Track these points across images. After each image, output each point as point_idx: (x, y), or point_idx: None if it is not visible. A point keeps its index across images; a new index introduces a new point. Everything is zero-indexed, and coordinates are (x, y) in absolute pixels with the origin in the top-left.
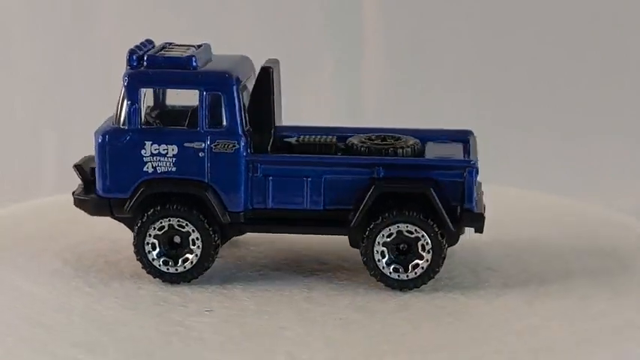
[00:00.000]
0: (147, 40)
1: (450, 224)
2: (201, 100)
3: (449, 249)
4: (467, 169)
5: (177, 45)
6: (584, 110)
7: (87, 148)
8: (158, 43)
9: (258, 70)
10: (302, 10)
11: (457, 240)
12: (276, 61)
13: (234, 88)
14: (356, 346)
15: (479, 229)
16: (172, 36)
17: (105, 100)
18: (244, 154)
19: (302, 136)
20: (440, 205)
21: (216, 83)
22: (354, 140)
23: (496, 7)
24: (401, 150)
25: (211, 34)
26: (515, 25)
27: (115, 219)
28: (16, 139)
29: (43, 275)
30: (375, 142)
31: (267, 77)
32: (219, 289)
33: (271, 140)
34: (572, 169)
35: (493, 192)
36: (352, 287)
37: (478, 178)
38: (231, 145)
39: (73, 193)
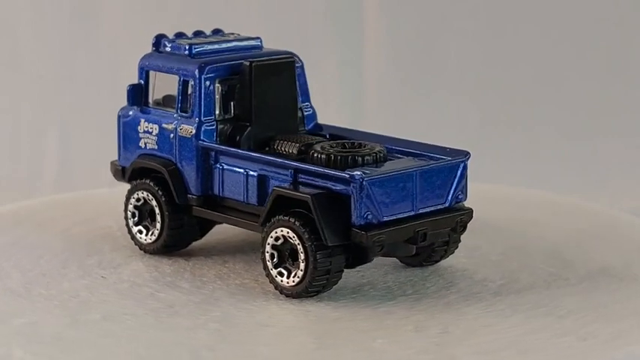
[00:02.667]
0: (215, 30)
1: (326, 238)
2: (178, 86)
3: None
4: (351, 183)
5: (230, 35)
6: (589, 110)
7: (88, 147)
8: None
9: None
10: (303, 10)
11: (367, 259)
12: (291, 57)
13: (201, 77)
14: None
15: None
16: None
17: (108, 100)
18: (200, 140)
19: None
20: (319, 215)
21: (189, 71)
22: (318, 145)
23: (499, 7)
24: (341, 157)
25: None
26: (518, 26)
27: None
28: (16, 139)
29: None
30: (344, 149)
31: (248, 72)
32: (161, 265)
33: (246, 132)
34: (576, 169)
35: (494, 192)
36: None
37: (465, 204)
38: (189, 131)
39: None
